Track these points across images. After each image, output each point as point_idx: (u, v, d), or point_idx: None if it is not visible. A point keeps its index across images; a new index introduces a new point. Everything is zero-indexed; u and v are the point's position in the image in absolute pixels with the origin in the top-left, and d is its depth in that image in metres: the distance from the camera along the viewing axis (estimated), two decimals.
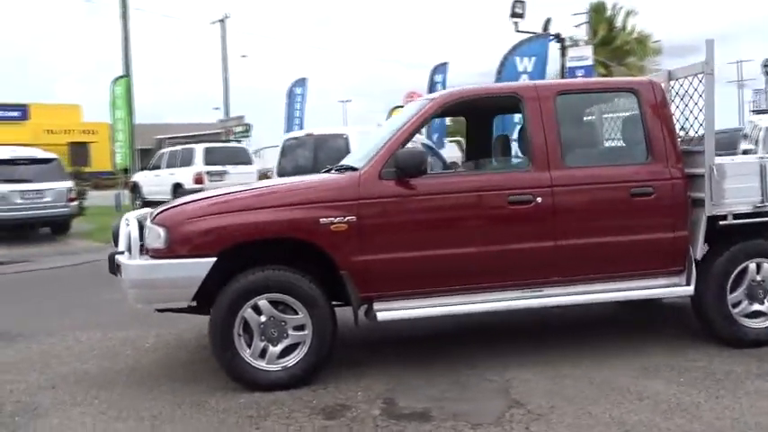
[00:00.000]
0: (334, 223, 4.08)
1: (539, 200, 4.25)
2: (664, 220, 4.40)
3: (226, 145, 18.64)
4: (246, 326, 4.08)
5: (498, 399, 3.85)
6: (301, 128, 19.82)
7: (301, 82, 21.26)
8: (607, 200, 4.39)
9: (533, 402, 3.76)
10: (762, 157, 5.40)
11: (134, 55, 21.05)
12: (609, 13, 24.71)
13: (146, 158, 22.44)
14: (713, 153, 4.34)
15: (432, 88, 18.28)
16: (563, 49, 16.08)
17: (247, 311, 4.06)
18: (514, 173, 4.49)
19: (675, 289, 4.49)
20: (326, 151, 9.67)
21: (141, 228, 4.24)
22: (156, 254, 4.08)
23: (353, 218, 4.11)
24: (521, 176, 4.37)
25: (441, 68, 19.86)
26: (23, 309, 7.05)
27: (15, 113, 44.32)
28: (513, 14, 15.66)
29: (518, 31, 15.99)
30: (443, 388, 4.04)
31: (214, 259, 3.99)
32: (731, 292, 4.53)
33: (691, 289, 4.45)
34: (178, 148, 17.34)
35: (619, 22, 24.83)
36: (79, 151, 38.67)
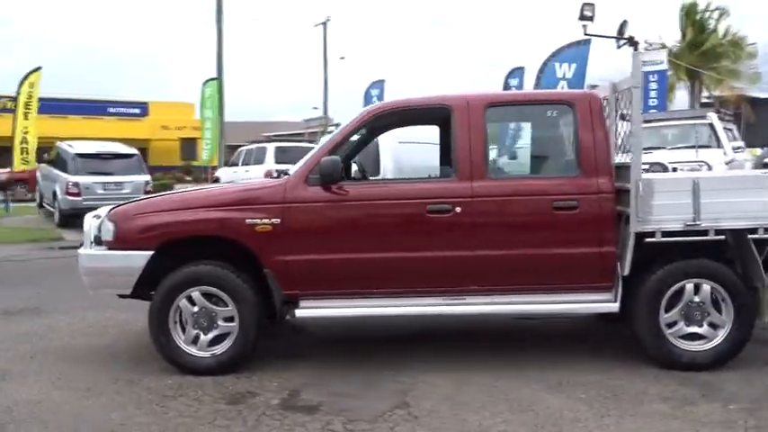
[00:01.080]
0: (259, 224, 4.40)
1: (458, 209, 4.35)
2: (589, 235, 4.35)
3: (298, 145, 19.41)
4: (182, 314, 4.48)
5: (392, 399, 4.01)
6: None
7: (378, 84, 21.67)
8: (528, 212, 4.40)
9: (421, 405, 3.90)
10: (695, 174, 5.11)
11: (245, 57, 22.31)
12: (699, 15, 23.22)
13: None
14: (640, 168, 4.25)
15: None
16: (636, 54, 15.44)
17: (182, 301, 4.46)
18: (437, 182, 4.60)
19: (600, 305, 4.44)
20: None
21: None
22: (108, 246, 4.58)
23: (278, 220, 4.40)
24: (442, 186, 4.48)
25: (517, 72, 19.63)
26: (63, 288, 7.88)
27: (136, 110, 48.02)
28: (582, 17, 15.26)
29: (587, 35, 15.60)
30: (351, 386, 4.25)
31: (151, 252, 4.43)
32: (666, 312, 4.41)
33: (616, 306, 4.39)
34: (253, 146, 18.26)
35: (710, 24, 23.27)
36: (189, 146, 41.37)
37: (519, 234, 4.41)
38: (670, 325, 4.42)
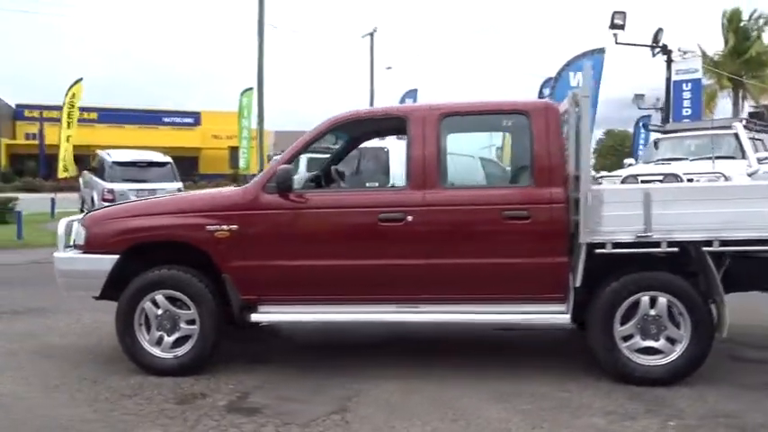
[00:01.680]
0: (218, 230, 4.55)
1: (409, 218, 4.40)
2: (541, 245, 4.33)
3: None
4: (146, 317, 4.66)
5: (333, 404, 4.07)
6: None
7: (412, 93, 21.79)
8: (479, 221, 4.41)
9: (359, 412, 3.96)
10: (647, 185, 4.96)
11: (295, 67, 22.83)
12: (743, 22, 22.28)
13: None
14: (589, 178, 4.20)
15: None
16: (669, 62, 15.09)
17: (146, 304, 4.65)
18: (389, 191, 4.65)
19: (551, 317, 4.40)
20: (369, 163, 10.12)
21: None
22: (80, 249, 4.81)
23: (236, 226, 4.55)
24: (394, 195, 4.54)
25: (549, 82, 19.41)
26: None
27: (190, 120, 49.53)
28: (613, 26, 15.02)
29: (618, 44, 15.33)
30: (300, 391, 4.33)
31: (117, 256, 4.63)
32: (622, 325, 4.33)
33: (567, 318, 4.34)
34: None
35: (754, 32, 22.29)
36: (237, 155, 42.35)
37: (470, 243, 4.42)
38: (626, 338, 4.34)
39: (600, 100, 12.58)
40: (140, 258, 4.71)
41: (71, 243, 4.95)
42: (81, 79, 17.09)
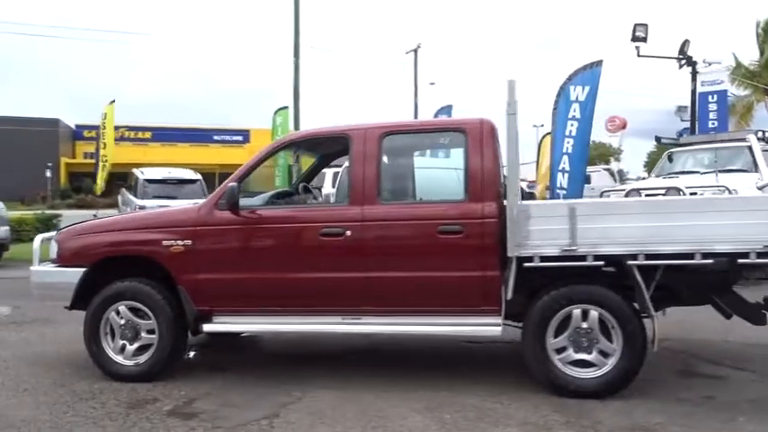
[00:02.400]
0: (174, 245, 4.85)
1: (348, 233, 4.59)
2: (473, 259, 4.44)
3: None
4: (111, 326, 4.98)
5: (267, 410, 4.28)
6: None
7: (447, 109, 21.86)
8: (414, 236, 4.56)
9: (288, 417, 4.16)
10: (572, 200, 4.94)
11: (337, 86, 23.28)
12: None
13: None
14: (517, 193, 4.30)
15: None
16: (694, 74, 14.81)
17: (111, 314, 4.97)
18: (332, 207, 4.84)
19: (483, 329, 4.49)
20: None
21: None
22: (54, 263, 5.18)
23: (189, 242, 4.83)
24: (335, 211, 4.74)
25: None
26: None
27: (239, 138, 50.90)
28: (635, 38, 14.86)
29: (640, 56, 15.14)
30: (245, 397, 4.55)
31: (84, 270, 4.98)
32: (555, 337, 4.40)
33: (498, 330, 4.43)
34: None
35: None
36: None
37: (406, 257, 4.57)
38: (559, 350, 4.41)
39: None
40: (108, 271, 5.04)
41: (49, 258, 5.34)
42: (113, 101, 17.89)
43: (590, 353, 4.38)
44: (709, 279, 4.41)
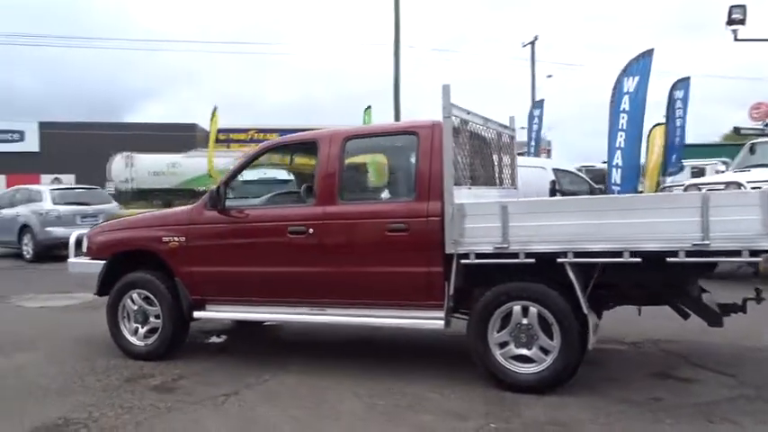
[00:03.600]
0: (171, 241, 5.49)
1: (310, 231, 4.99)
2: (418, 255, 4.65)
3: None
4: (127, 311, 5.73)
5: (231, 388, 4.76)
6: (534, 153, 20.26)
7: (539, 104, 21.47)
8: (367, 233, 4.84)
9: (244, 395, 4.63)
10: (503, 198, 4.80)
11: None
12: None
13: None
14: (452, 193, 4.46)
15: (670, 105, 16.91)
16: None
17: (126, 301, 5.72)
18: (299, 207, 5.21)
19: (428, 322, 4.69)
20: None
21: None
22: (85, 256, 6.03)
23: (183, 238, 5.46)
24: (302, 210, 5.13)
25: (682, 84, 18.18)
26: None
27: None
28: (731, 21, 13.90)
29: (737, 40, 14.11)
30: (225, 378, 5.05)
31: (104, 262, 5.77)
32: (498, 332, 4.53)
33: (441, 324, 4.62)
34: None
35: None
36: None
37: (360, 253, 4.87)
38: (502, 345, 4.53)
39: None
40: (128, 263, 5.79)
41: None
42: (216, 107, 19.36)
43: (530, 349, 4.46)
44: (660, 278, 4.34)
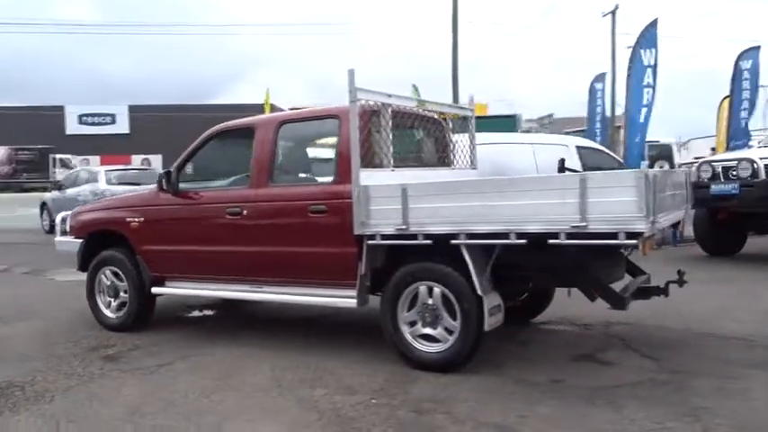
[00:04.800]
0: (132, 221, 5.90)
1: (244, 212, 5.23)
2: (335, 236, 4.78)
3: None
4: (102, 286, 6.21)
5: (170, 358, 5.12)
6: (601, 129, 19.60)
7: (601, 77, 20.65)
8: (292, 215, 5.02)
9: (174, 365, 4.96)
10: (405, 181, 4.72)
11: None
12: None
13: None
14: (358, 175, 4.55)
15: (736, 76, 15.94)
16: None
17: (101, 276, 6.20)
18: (236, 189, 5.44)
19: (341, 300, 4.83)
20: None
21: None
22: (69, 234, 6.56)
23: (142, 218, 5.85)
24: (238, 192, 5.37)
25: (749, 54, 17.07)
26: None
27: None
28: None
29: None
30: (171, 350, 5.39)
31: (81, 241, 6.26)
32: (407, 311, 4.63)
33: (354, 303, 4.75)
34: None
35: None
36: None
37: (286, 234, 5.06)
38: (411, 324, 4.62)
39: None
40: (104, 241, 6.25)
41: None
42: (268, 89, 19.93)
43: (435, 328, 4.52)
44: (557, 260, 4.27)
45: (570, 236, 3.86)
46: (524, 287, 4.88)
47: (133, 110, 48.87)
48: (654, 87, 9.62)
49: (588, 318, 5.86)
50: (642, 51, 9.33)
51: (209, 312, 6.94)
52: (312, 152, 5.68)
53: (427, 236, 4.37)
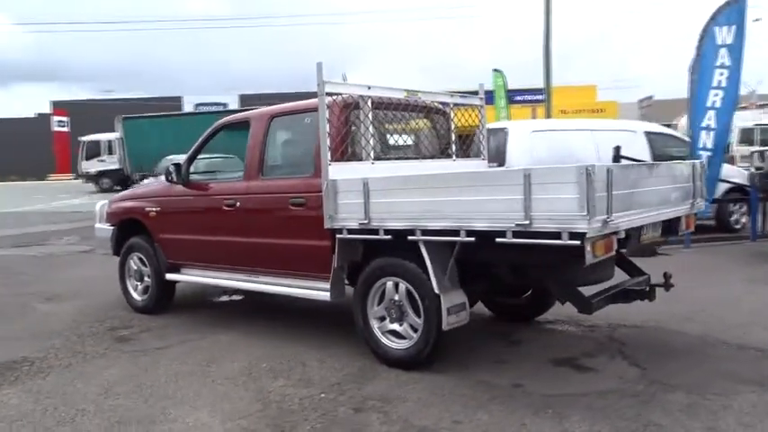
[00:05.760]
0: (150, 211, 6.23)
1: (238, 204, 5.38)
2: (312, 229, 4.79)
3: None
4: (131, 270, 6.63)
5: (168, 342, 5.40)
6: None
7: None
8: (276, 207, 5.08)
9: (173, 348, 5.24)
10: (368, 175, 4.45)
11: None
12: None
13: None
14: (327, 170, 4.53)
15: None
16: None
17: (129, 262, 6.62)
18: (234, 181, 5.56)
19: (317, 293, 4.84)
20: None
21: None
22: (105, 222, 7.02)
23: (159, 208, 6.16)
24: (234, 185, 5.50)
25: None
26: None
27: (539, 96, 50.50)
28: None
29: None
30: (175, 332, 5.72)
31: (113, 228, 6.70)
32: (377, 306, 4.59)
33: (327, 295, 4.76)
34: None
35: None
36: None
37: (272, 226, 5.15)
38: (380, 319, 4.58)
39: None
40: (134, 228, 6.64)
41: None
42: (344, 74, 19.97)
43: (401, 325, 4.45)
44: (531, 259, 4.05)
45: (517, 234, 3.65)
46: (500, 286, 4.68)
47: (244, 99, 51.03)
48: (733, 69, 8.79)
49: (601, 318, 5.51)
50: (717, 29, 8.51)
51: (236, 297, 7.18)
52: (300, 145, 5.71)
53: (387, 231, 4.29)
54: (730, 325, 5.32)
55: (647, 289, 4.51)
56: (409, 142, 5.55)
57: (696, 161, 4.85)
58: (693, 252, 9.08)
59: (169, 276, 6.17)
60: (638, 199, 3.89)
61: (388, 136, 5.20)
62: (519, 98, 51.62)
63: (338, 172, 4.59)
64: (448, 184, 3.97)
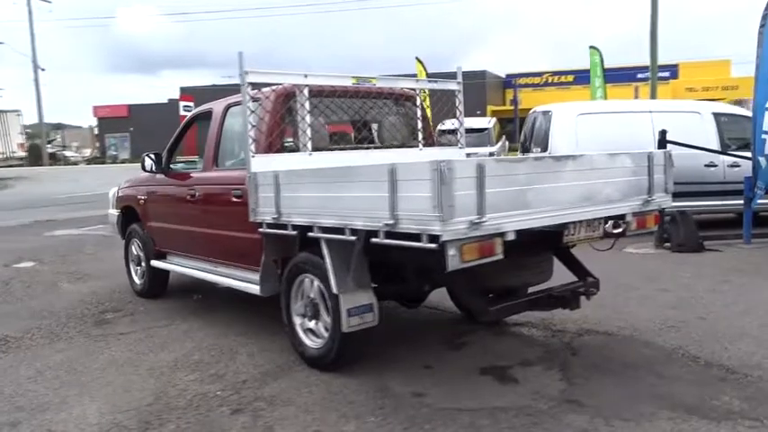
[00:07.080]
0: (140, 199, 6.44)
1: (196, 194, 5.41)
2: (246, 222, 4.73)
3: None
4: (132, 255, 6.91)
5: (141, 329, 5.56)
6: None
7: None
8: (221, 199, 5.05)
9: (160, 332, 5.40)
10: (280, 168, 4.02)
11: None
12: None
13: None
14: (251, 164, 4.41)
15: None
16: None
17: (131, 246, 6.90)
18: (197, 172, 5.57)
19: (251, 286, 4.76)
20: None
21: None
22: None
23: (146, 196, 6.35)
24: (195, 174, 5.53)
25: None
26: None
27: (666, 74, 47.06)
28: None
29: None
30: (157, 319, 5.86)
31: (118, 212, 7.00)
32: (298, 302, 4.45)
33: (257, 288, 4.67)
34: None
35: None
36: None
37: (219, 217, 5.13)
38: (301, 316, 4.44)
39: None
40: (134, 214, 6.88)
41: None
42: (417, 57, 19.21)
43: (317, 323, 4.29)
44: (432, 260, 3.73)
45: (387, 235, 3.37)
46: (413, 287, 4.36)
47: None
48: None
49: (574, 322, 5.05)
50: None
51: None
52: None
53: (294, 226, 4.12)
54: (719, 338, 4.66)
55: (569, 296, 4.03)
56: (367, 133, 5.31)
57: (658, 151, 4.25)
58: (753, 249, 8.05)
59: (153, 263, 6.35)
60: (541, 196, 3.46)
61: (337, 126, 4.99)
62: (641, 76, 48.54)
63: (266, 164, 4.47)
64: (334, 178, 3.74)
